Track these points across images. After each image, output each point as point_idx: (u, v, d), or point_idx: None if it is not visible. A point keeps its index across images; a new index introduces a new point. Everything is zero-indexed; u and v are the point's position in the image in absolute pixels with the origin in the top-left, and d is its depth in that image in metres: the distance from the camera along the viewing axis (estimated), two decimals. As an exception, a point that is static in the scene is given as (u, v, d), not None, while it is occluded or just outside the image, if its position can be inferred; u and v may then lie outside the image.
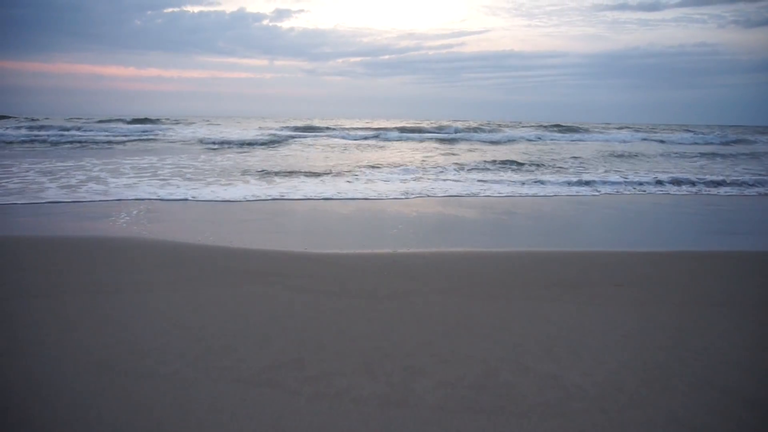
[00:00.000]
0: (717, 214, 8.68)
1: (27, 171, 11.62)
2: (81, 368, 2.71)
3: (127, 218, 7.05)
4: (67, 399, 2.43)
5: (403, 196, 9.54)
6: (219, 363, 2.79)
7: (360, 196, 9.60)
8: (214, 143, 21.42)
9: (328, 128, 32.20)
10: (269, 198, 9.10)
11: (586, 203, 9.42)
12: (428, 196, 9.74)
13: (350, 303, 3.72)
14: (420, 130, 32.29)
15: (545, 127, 37.86)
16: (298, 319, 3.41)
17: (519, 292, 4.04)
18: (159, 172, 11.99)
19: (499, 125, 41.88)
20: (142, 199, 8.61)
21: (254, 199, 8.98)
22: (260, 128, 30.93)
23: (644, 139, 30.20)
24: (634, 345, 3.09)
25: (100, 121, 32.32)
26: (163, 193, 9.19)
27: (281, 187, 10.16)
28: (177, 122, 36.64)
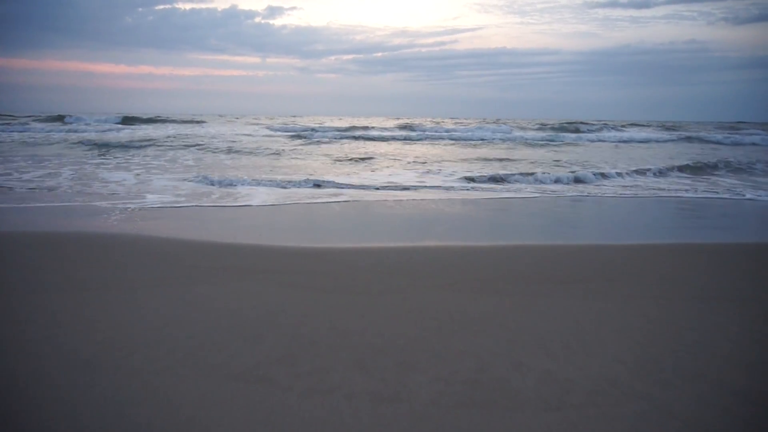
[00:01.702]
0: (713, 208, 8.73)
1: None
2: (68, 366, 2.67)
3: (115, 214, 6.97)
4: (54, 397, 2.39)
5: (399, 196, 9.52)
6: (210, 359, 2.76)
7: (342, 195, 9.57)
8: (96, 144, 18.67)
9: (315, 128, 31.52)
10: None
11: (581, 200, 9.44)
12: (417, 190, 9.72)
13: (342, 299, 3.70)
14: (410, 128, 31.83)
15: (553, 127, 35.99)
16: (290, 315, 3.38)
17: (512, 287, 4.03)
18: None
19: (506, 123, 41.26)
20: None
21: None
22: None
23: (685, 139, 27.94)
24: (627, 339, 3.09)
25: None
26: None
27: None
28: (152, 122, 35.76)
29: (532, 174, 12.07)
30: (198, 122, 38.32)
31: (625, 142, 26.99)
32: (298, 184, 10.27)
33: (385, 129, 32.29)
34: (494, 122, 45.05)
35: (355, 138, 26.02)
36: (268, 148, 19.25)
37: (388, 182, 11.02)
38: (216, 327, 3.17)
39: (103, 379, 2.54)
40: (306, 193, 9.36)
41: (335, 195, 9.22)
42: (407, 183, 10.87)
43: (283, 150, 19.08)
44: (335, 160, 15.88)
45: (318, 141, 23.94)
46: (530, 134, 29.82)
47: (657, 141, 27.61)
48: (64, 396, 2.40)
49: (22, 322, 3.21)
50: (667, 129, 37.73)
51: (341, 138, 26.01)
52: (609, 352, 2.90)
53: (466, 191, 10.03)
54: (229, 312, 3.41)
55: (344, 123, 40.73)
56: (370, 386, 2.52)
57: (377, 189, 10.06)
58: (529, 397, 2.46)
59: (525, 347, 2.96)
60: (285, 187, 9.98)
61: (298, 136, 25.76)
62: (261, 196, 8.93)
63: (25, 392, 2.43)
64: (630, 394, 2.48)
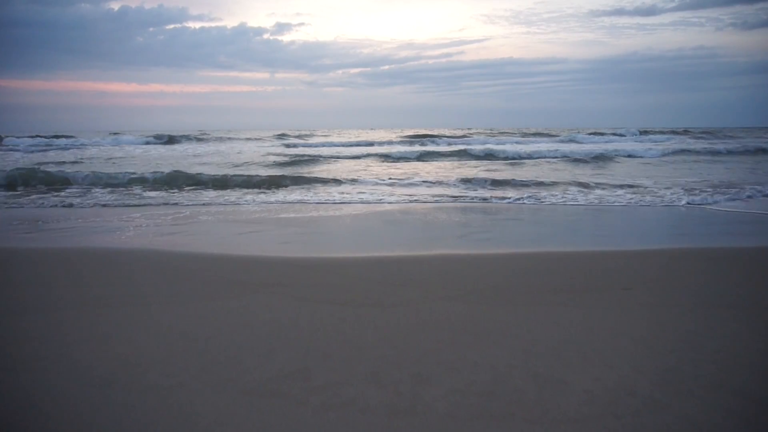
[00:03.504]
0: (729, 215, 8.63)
1: None
2: (83, 384, 2.67)
3: (126, 228, 7.02)
4: (70, 415, 2.39)
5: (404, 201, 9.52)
6: (224, 375, 2.75)
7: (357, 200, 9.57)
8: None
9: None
10: None
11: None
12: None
13: (355, 312, 3.68)
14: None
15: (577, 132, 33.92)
16: (303, 328, 3.37)
17: (525, 296, 3.99)
18: None
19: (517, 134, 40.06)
20: None
21: None
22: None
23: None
24: (645, 349, 3.04)
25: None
26: None
27: None
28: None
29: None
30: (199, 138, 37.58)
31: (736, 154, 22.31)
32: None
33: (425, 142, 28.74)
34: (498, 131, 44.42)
35: (382, 158, 21.12)
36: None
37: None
38: (229, 342, 3.16)
39: (118, 396, 2.54)
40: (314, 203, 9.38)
41: (345, 204, 9.24)
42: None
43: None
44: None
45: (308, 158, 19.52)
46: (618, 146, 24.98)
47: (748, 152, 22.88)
48: (80, 413, 2.40)
49: (36, 339, 3.22)
50: (706, 138, 34.77)
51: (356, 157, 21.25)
52: (627, 362, 2.86)
53: (480, 201, 10.01)
54: (242, 326, 3.41)
55: (351, 137, 40.44)
56: (385, 399, 2.50)
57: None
58: (547, 408, 2.42)
59: (541, 358, 2.92)
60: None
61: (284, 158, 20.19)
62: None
63: (41, 410, 2.43)
64: (651, 405, 2.44)
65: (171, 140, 33.47)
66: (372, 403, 2.47)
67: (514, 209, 9.18)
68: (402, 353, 2.99)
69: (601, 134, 38.22)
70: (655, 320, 3.48)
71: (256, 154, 23.29)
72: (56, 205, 9.68)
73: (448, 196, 10.61)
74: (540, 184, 12.41)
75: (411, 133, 41.45)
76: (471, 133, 43.18)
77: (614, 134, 38.60)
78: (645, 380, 2.66)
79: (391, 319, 3.53)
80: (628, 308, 3.73)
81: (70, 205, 9.68)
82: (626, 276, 4.62)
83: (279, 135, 42.21)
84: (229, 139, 37.57)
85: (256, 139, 37.28)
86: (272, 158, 20.58)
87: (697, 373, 2.72)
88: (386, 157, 21.38)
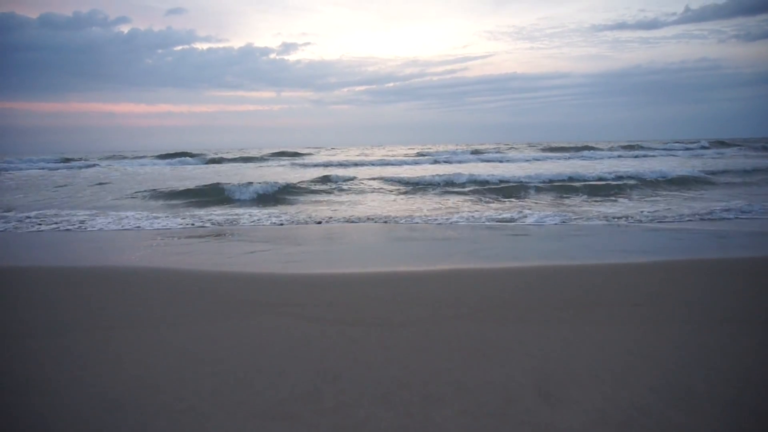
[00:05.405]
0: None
1: None
2: (94, 406, 2.68)
3: (136, 247, 7.07)
4: (83, 438, 2.39)
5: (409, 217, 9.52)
6: (234, 397, 2.75)
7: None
8: None
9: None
10: None
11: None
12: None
13: (364, 331, 3.68)
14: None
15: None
16: (313, 349, 3.37)
17: (534, 313, 3.97)
18: None
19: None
20: None
21: None
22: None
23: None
24: (657, 366, 3.01)
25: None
26: None
27: None
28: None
29: None
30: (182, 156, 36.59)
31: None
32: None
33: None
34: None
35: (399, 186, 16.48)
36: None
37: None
38: (239, 363, 3.17)
39: (130, 419, 2.55)
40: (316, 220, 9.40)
41: (351, 219, 9.26)
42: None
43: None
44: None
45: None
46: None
47: None
48: (91, 437, 2.40)
49: (47, 362, 3.24)
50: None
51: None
52: (639, 381, 2.83)
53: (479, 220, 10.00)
54: (252, 347, 3.41)
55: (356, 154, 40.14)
56: (396, 422, 2.49)
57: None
58: (560, 429, 2.40)
59: (552, 377, 2.90)
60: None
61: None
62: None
63: (53, 434, 2.44)
64: (664, 425, 2.41)
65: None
66: (383, 425, 2.46)
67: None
68: (412, 374, 2.98)
69: (640, 147, 37.33)
70: (666, 336, 3.45)
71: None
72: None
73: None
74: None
75: (420, 149, 41.27)
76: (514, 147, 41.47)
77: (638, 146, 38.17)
78: (658, 399, 2.63)
79: (400, 339, 3.52)
80: (637, 325, 3.70)
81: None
82: (634, 290, 4.58)
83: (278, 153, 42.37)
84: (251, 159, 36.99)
85: (260, 158, 37.39)
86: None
87: (710, 392, 2.69)
88: (404, 185, 16.84)
